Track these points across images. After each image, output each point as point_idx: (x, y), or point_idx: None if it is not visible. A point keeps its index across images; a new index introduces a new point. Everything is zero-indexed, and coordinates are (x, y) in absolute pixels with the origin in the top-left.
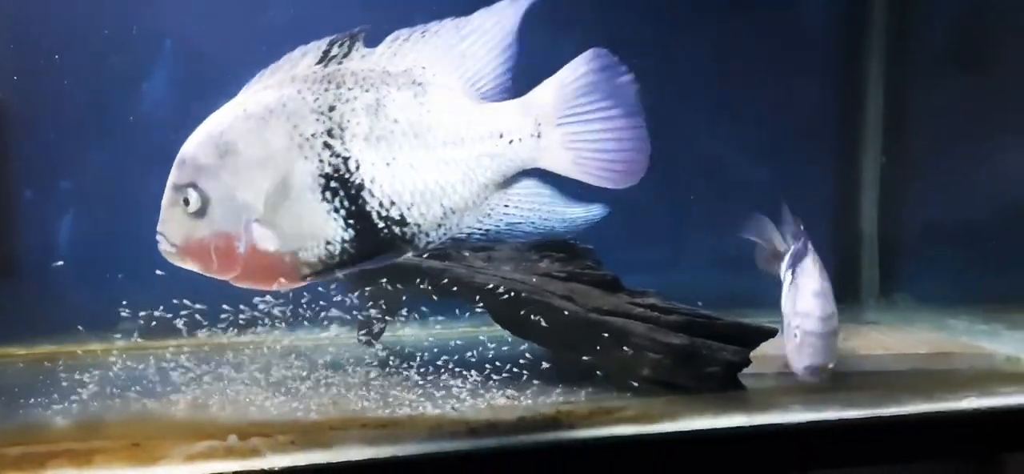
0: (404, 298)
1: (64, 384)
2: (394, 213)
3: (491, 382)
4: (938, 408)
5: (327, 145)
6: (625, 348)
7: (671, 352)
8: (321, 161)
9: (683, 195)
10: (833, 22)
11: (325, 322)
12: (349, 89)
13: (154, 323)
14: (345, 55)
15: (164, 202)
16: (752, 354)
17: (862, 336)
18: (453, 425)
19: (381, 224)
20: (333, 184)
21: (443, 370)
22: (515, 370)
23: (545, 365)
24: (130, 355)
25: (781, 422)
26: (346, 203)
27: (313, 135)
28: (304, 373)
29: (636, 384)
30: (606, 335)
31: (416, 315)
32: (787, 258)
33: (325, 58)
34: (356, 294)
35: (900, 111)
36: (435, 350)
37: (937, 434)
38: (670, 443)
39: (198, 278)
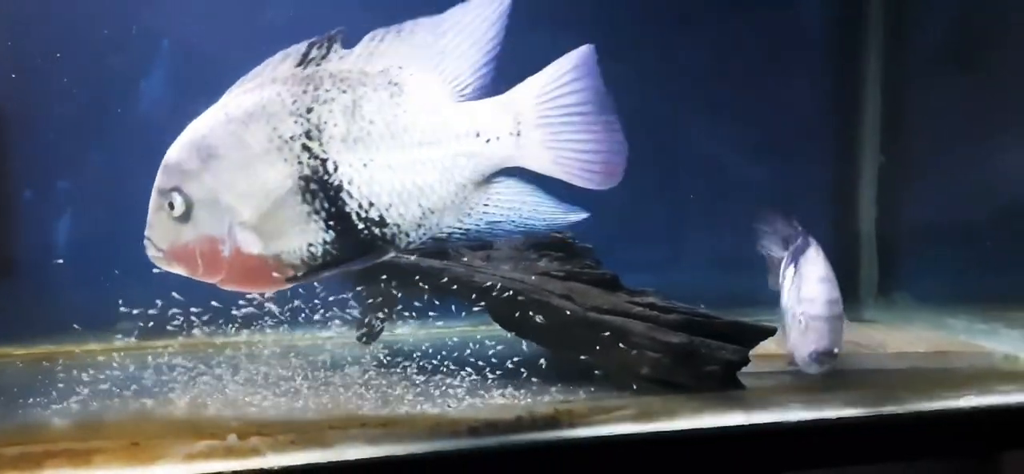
0: (400, 296)
1: (62, 384)
2: (373, 214)
3: (490, 381)
4: (937, 407)
5: (306, 147)
6: (624, 347)
7: (670, 351)
8: (300, 163)
9: (682, 194)
10: (831, 21)
11: (325, 322)
12: (326, 91)
13: (152, 323)
14: (323, 57)
15: (150, 207)
16: (752, 352)
17: (861, 334)
18: (452, 424)
19: (361, 225)
20: (313, 186)
21: (442, 369)
22: (514, 369)
23: (544, 364)
24: (129, 355)
25: (780, 420)
26: (326, 205)
27: (292, 137)
28: (303, 372)
29: (635, 383)
30: (605, 334)
31: (414, 314)
32: (787, 255)
33: (304, 60)
34: (354, 293)
35: (898, 110)
36: (434, 349)
37: (936, 432)
38: (669, 442)
39: (193, 279)
